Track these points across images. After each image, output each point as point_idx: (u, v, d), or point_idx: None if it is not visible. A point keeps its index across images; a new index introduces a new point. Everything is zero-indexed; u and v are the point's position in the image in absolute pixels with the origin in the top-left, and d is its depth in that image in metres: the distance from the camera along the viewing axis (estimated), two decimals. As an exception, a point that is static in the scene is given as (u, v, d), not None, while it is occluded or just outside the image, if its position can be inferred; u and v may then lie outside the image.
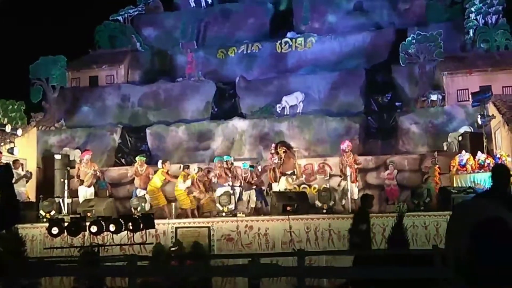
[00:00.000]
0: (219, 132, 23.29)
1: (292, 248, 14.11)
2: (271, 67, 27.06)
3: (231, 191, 17.54)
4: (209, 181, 18.58)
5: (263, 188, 18.95)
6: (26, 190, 18.53)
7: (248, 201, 18.22)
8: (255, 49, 27.69)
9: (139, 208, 17.02)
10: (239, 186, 18.17)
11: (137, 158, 19.50)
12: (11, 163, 17.71)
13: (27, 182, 18.58)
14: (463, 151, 17.96)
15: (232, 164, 18.72)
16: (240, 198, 18.06)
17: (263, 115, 23.87)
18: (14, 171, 16.50)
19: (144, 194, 18.38)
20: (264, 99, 24.72)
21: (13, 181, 3.63)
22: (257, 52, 27.63)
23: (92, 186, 18.96)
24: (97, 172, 19.20)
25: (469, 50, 24.38)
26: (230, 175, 18.12)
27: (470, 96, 20.44)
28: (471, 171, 17.21)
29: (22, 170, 18.62)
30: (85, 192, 18.62)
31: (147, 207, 17.90)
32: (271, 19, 29.66)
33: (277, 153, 18.71)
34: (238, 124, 23.26)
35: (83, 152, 19.89)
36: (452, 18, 26.33)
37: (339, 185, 18.73)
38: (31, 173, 18.98)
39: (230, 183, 17.97)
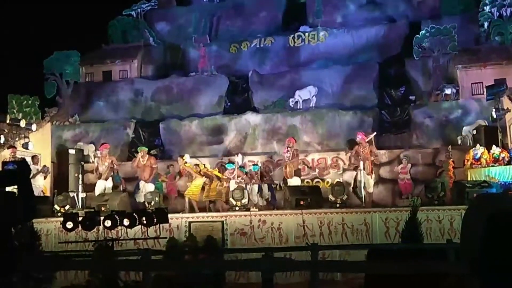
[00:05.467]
0: (232, 127, 23.31)
1: (305, 242, 14.10)
2: (284, 61, 27.01)
3: (244, 185, 17.54)
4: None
5: (276, 182, 18.93)
6: (44, 185, 18.66)
7: (261, 195, 18.17)
8: (268, 43, 27.63)
9: (152, 203, 17.07)
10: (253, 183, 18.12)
11: (139, 149, 19.50)
12: (29, 158, 17.91)
13: (45, 177, 18.72)
14: (478, 145, 17.84)
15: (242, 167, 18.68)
16: (253, 193, 17.99)
17: (276, 109, 23.85)
18: (32, 166, 16.69)
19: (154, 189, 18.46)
20: (277, 93, 24.70)
21: (30, 176, 3.67)
22: (270, 46, 27.57)
23: (110, 179, 18.95)
24: (114, 165, 19.18)
25: (483, 43, 24.15)
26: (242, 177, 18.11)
27: (485, 89, 20.29)
28: (486, 165, 17.09)
29: (39, 165, 18.74)
30: (103, 186, 18.63)
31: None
32: (284, 13, 29.58)
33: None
34: (251, 118, 23.26)
35: (101, 145, 19.97)
36: (466, 10, 26.07)
37: (355, 179, 18.45)
38: (48, 168, 19.09)
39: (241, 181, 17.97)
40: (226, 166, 18.79)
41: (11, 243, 3.44)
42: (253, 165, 19.04)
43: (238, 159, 19.70)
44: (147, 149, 19.55)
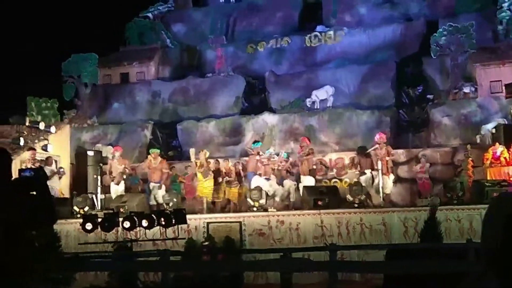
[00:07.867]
0: (249, 127, 23.33)
1: (323, 242, 14.06)
2: (301, 61, 26.99)
3: (266, 182, 17.51)
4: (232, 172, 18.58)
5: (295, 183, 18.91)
6: (60, 188, 18.80)
7: (288, 194, 18.11)
8: (284, 43, 27.63)
9: (171, 204, 17.13)
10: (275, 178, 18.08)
11: (151, 151, 19.56)
12: (44, 160, 18.06)
13: (60, 178, 18.84)
14: (497, 144, 17.68)
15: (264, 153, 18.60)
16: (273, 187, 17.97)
17: (293, 110, 23.84)
18: (46, 167, 16.82)
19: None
20: (293, 94, 24.70)
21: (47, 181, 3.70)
22: (286, 46, 27.57)
23: (123, 182, 19.00)
24: (126, 169, 19.23)
25: (502, 40, 23.95)
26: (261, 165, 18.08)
27: (504, 87, 20.11)
28: (505, 164, 16.94)
29: (56, 167, 18.88)
30: (116, 189, 18.74)
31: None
32: (300, 13, 29.55)
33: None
34: (268, 118, 23.26)
35: (114, 148, 20.08)
36: (483, 8, 25.84)
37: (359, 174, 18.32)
38: (63, 169, 19.21)
39: (261, 173, 17.94)
40: (252, 146, 18.80)
41: (31, 244, 3.47)
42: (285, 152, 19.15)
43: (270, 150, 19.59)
44: (158, 151, 19.52)
